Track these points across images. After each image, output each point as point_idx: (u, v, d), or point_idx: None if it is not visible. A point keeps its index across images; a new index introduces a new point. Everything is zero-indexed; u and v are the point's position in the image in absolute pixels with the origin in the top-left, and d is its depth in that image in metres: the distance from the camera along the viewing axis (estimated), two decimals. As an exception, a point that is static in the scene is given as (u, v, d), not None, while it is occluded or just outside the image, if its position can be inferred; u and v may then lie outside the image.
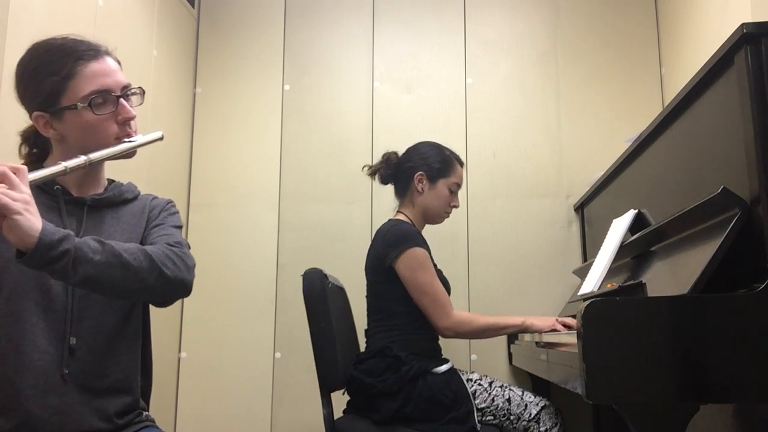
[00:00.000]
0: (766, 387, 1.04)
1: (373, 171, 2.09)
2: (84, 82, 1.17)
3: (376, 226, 2.00)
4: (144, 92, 1.27)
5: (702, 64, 1.34)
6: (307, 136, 2.74)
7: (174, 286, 1.15)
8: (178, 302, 2.63)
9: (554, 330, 1.77)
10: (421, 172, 1.99)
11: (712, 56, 1.30)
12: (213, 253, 2.66)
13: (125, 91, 1.22)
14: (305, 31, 2.82)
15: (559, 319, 1.80)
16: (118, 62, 1.24)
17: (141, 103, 1.27)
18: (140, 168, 2.28)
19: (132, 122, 1.23)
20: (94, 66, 1.18)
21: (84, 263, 1.02)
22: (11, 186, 0.97)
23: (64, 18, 1.86)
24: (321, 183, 2.70)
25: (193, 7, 2.82)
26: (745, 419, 1.56)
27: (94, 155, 1.15)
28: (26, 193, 0.99)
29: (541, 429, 1.73)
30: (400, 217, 2.01)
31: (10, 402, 1.11)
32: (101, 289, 1.08)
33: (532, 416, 1.75)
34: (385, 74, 2.76)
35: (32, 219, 0.98)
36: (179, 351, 2.63)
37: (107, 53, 1.23)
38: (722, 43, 1.25)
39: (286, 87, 2.78)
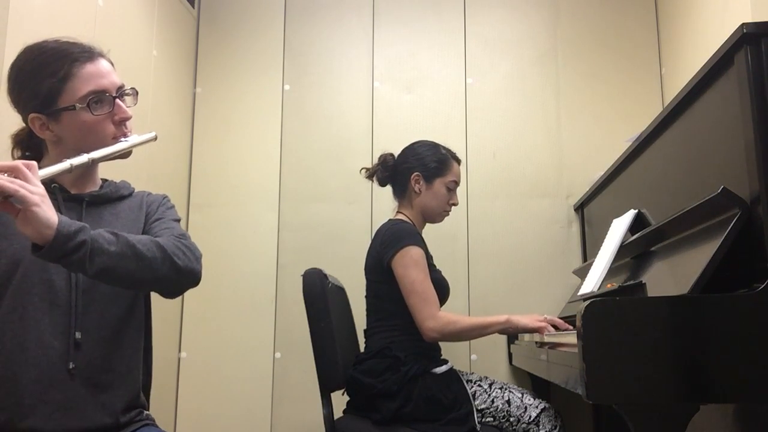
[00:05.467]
0: (766, 387, 1.04)
1: (371, 173, 2.09)
2: (81, 83, 1.18)
3: (376, 226, 1.99)
4: (137, 93, 1.28)
5: (702, 64, 1.34)
6: (307, 136, 2.74)
7: (185, 276, 1.17)
8: (178, 302, 2.64)
9: (540, 327, 1.76)
10: (417, 172, 1.99)
11: (712, 56, 1.30)
12: (213, 253, 2.66)
13: (120, 92, 1.24)
14: (305, 31, 2.82)
15: (548, 317, 1.79)
16: (111, 63, 1.26)
17: (135, 104, 1.28)
18: (140, 168, 2.28)
19: (128, 122, 1.25)
20: (90, 67, 1.20)
21: (100, 254, 1.04)
22: (25, 180, 0.98)
23: (64, 18, 1.86)
24: (321, 183, 2.70)
25: (193, 7, 2.82)
26: (745, 419, 1.56)
27: (95, 154, 1.16)
28: (40, 187, 1.00)
29: (540, 431, 1.73)
30: (400, 217, 2.01)
31: (12, 398, 1.11)
32: (116, 279, 1.09)
33: (531, 419, 1.75)
34: (385, 74, 2.76)
35: (49, 211, 0.99)
36: (179, 351, 2.63)
37: (101, 55, 1.24)
38: (722, 43, 1.25)
39: (286, 87, 2.78)
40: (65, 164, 1.09)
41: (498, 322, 1.82)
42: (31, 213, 0.96)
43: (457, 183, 2.03)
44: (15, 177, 0.98)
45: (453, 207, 2.05)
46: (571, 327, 1.77)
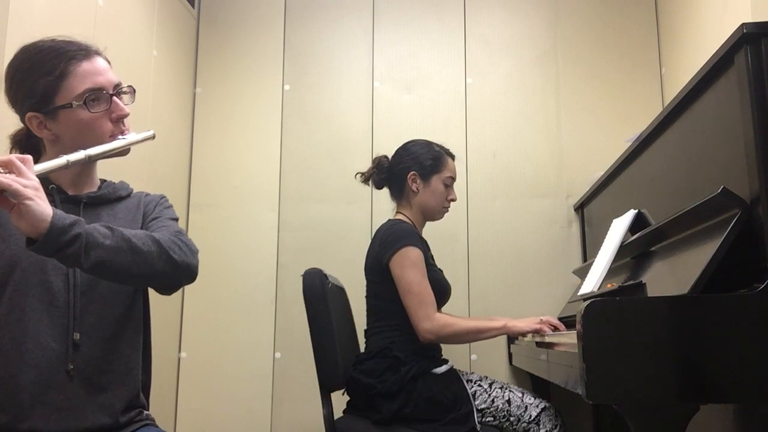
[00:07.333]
0: (766, 387, 1.04)
1: (366, 177, 2.09)
2: (78, 81, 1.18)
3: (376, 226, 2.00)
4: (134, 91, 1.28)
5: (702, 64, 1.34)
6: (307, 136, 2.74)
7: (181, 270, 1.17)
8: (178, 302, 2.64)
9: (538, 330, 1.77)
10: (413, 171, 1.99)
11: (712, 56, 1.30)
12: (213, 253, 2.66)
13: (117, 90, 1.24)
14: (305, 31, 2.82)
15: (544, 318, 1.80)
16: (108, 61, 1.26)
17: (132, 102, 1.28)
18: (140, 168, 2.28)
19: (125, 120, 1.25)
20: (86, 65, 1.20)
21: (95, 247, 1.03)
22: (19, 173, 0.98)
23: (64, 18, 1.86)
24: (321, 183, 2.70)
25: (193, 7, 2.82)
26: (745, 419, 1.56)
27: (92, 151, 1.16)
28: (34, 180, 0.99)
29: (540, 431, 1.73)
30: (400, 217, 2.01)
31: (11, 400, 1.11)
32: (112, 274, 1.09)
33: (532, 418, 1.75)
34: (385, 74, 2.76)
35: (43, 204, 0.98)
36: (179, 351, 2.63)
37: (97, 53, 1.24)
38: (722, 43, 1.25)
39: (286, 87, 2.78)
40: (62, 160, 1.09)
41: (494, 328, 1.82)
42: (24, 206, 0.96)
43: (453, 178, 2.04)
44: (9, 171, 0.97)
45: (452, 203, 2.05)
46: (564, 327, 1.78)
